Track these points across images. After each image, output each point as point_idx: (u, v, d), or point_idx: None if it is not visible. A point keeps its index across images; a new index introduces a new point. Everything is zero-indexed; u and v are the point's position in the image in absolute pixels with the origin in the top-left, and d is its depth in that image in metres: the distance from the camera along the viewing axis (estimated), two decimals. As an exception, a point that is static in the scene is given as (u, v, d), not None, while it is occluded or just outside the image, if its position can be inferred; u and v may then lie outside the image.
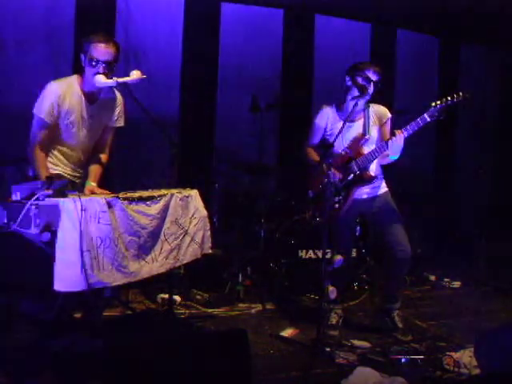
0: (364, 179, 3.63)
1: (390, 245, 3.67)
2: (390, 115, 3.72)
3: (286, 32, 5.88)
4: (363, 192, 3.68)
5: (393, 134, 3.46)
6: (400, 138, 3.41)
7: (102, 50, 3.06)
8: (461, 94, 3.34)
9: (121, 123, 3.43)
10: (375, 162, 3.66)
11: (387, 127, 3.70)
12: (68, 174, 3.28)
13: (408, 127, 3.42)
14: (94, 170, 3.37)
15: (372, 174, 3.65)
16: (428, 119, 3.36)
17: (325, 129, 3.75)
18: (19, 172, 3.35)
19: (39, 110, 3.09)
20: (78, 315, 3.65)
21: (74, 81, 3.17)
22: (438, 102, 3.35)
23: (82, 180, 3.34)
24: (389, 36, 6.37)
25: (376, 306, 3.97)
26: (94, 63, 3.06)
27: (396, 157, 3.53)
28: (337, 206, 3.43)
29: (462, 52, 6.66)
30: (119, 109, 3.39)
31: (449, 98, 3.35)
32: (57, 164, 3.25)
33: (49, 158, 3.23)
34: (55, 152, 3.24)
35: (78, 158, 3.32)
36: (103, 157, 3.42)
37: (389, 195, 3.76)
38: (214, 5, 5.53)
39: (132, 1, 5.22)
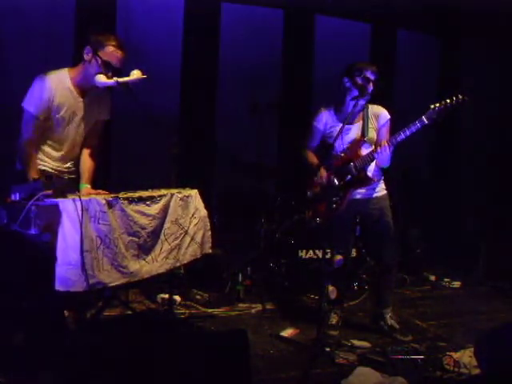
0: (362, 181, 3.63)
1: (376, 251, 3.76)
2: (389, 116, 3.68)
3: (286, 32, 5.88)
4: (360, 192, 3.68)
5: (379, 145, 3.46)
6: (385, 150, 3.41)
7: (119, 57, 3.05)
8: (460, 96, 3.29)
9: (108, 116, 3.39)
10: (373, 163, 3.62)
11: (386, 129, 3.67)
12: (55, 169, 3.24)
13: (397, 136, 3.39)
14: (87, 169, 3.32)
15: (370, 175, 3.63)
16: (426, 121, 3.31)
17: (323, 131, 3.74)
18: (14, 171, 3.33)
19: (29, 104, 3.04)
20: (77, 315, 3.66)
21: (65, 74, 3.12)
22: (437, 105, 3.29)
23: (73, 175, 3.32)
24: (389, 36, 6.37)
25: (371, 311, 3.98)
26: (106, 66, 3.02)
27: (386, 165, 3.55)
28: (334, 206, 3.43)
29: (462, 52, 6.65)
30: (108, 101, 3.35)
31: (448, 101, 3.29)
32: (43, 160, 3.20)
33: (38, 153, 3.19)
34: (44, 146, 3.19)
35: (68, 152, 3.28)
36: (95, 152, 3.37)
37: (386, 199, 3.74)
38: (214, 5, 5.53)
39: (132, 1, 5.22)
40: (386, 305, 3.79)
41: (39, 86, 3.04)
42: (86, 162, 3.34)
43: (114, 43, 3.05)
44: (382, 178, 3.76)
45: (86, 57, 3.07)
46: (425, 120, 3.32)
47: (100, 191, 3.07)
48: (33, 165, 3.09)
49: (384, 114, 3.68)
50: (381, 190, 3.74)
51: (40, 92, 3.04)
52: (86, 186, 3.25)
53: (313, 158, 3.81)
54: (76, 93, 3.15)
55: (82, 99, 3.18)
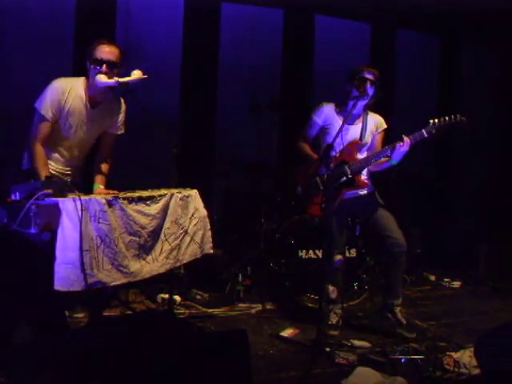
0: (356, 183, 3.68)
1: (384, 240, 3.71)
2: (385, 126, 3.81)
3: (285, 32, 5.88)
4: (352, 192, 3.72)
5: (400, 139, 3.50)
6: (407, 145, 3.49)
7: (105, 50, 3.09)
8: (458, 116, 3.46)
9: (122, 130, 3.44)
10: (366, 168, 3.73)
11: (381, 137, 3.80)
12: (58, 171, 3.26)
13: (413, 136, 3.50)
14: (101, 172, 3.37)
15: (364, 179, 3.71)
16: (425, 135, 3.48)
17: (321, 126, 3.77)
18: (18, 171, 3.34)
19: (40, 105, 3.09)
20: (78, 315, 3.66)
21: (80, 83, 3.17)
22: (436, 120, 3.47)
23: (73, 178, 3.31)
24: (389, 36, 6.37)
25: (376, 306, 3.98)
26: (97, 63, 3.07)
27: (396, 162, 3.57)
28: (323, 205, 3.43)
29: (462, 52, 6.65)
30: (122, 116, 3.39)
31: (447, 118, 3.46)
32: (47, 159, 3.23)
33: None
34: (50, 149, 3.22)
35: (71, 157, 3.31)
36: (107, 165, 3.41)
37: (376, 193, 3.81)
38: (214, 5, 5.53)
39: (132, 0, 5.22)
40: (397, 295, 3.76)
41: (53, 87, 3.10)
42: (100, 167, 3.38)
43: (100, 42, 3.12)
44: (370, 178, 3.82)
45: (88, 69, 3.14)
46: (424, 133, 3.48)
47: (114, 191, 3.07)
48: (44, 164, 3.12)
49: (382, 123, 3.81)
50: (370, 187, 3.79)
51: (52, 94, 3.09)
52: (99, 187, 3.28)
53: (308, 150, 3.83)
54: (87, 102, 3.19)
55: (93, 109, 3.21)
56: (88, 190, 3.22)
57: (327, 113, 3.76)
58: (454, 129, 3.49)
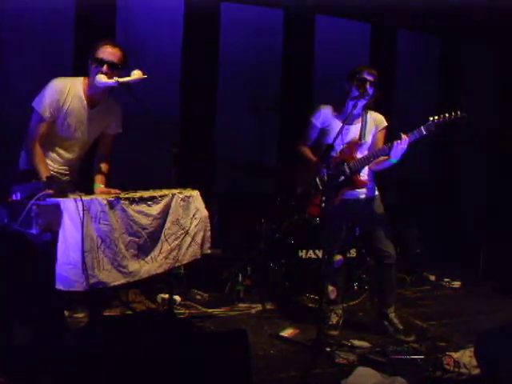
0: (355, 183, 3.67)
1: (374, 250, 3.77)
2: (386, 124, 3.78)
3: (286, 32, 5.88)
4: (351, 193, 3.71)
5: (398, 138, 3.48)
6: (405, 143, 3.45)
7: (107, 51, 3.09)
8: (459, 112, 3.41)
9: (120, 130, 3.44)
10: (366, 166, 3.70)
11: (382, 135, 3.77)
12: (55, 171, 3.25)
13: (412, 134, 3.46)
14: (101, 172, 3.38)
15: (363, 179, 3.70)
16: (424, 132, 3.43)
17: (320, 128, 3.78)
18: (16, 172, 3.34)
19: (39, 104, 3.08)
20: (78, 315, 3.66)
21: (79, 83, 3.17)
22: (436, 117, 3.42)
23: (70, 178, 3.32)
24: (389, 36, 6.38)
25: (376, 306, 3.98)
26: (98, 62, 3.07)
27: (396, 160, 3.54)
28: (323, 205, 3.43)
29: (462, 52, 6.66)
30: (119, 116, 3.40)
31: (447, 115, 3.42)
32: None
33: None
34: (48, 149, 3.22)
35: (69, 156, 3.31)
36: (107, 165, 3.42)
37: (378, 199, 3.80)
38: (214, 5, 5.53)
39: (132, 1, 5.22)
40: (389, 304, 3.79)
41: (51, 87, 3.09)
42: (100, 167, 3.38)
43: (104, 42, 3.12)
44: (374, 180, 3.80)
45: (89, 69, 3.13)
46: (423, 131, 3.44)
47: (115, 190, 3.07)
48: (44, 164, 3.12)
49: (382, 121, 3.79)
50: (372, 191, 3.78)
51: (51, 93, 3.08)
52: (99, 186, 3.28)
53: (308, 153, 3.84)
54: (86, 102, 3.19)
55: (91, 110, 3.22)
56: (86, 189, 3.22)
57: (325, 115, 3.75)
58: (454, 125, 3.45)
